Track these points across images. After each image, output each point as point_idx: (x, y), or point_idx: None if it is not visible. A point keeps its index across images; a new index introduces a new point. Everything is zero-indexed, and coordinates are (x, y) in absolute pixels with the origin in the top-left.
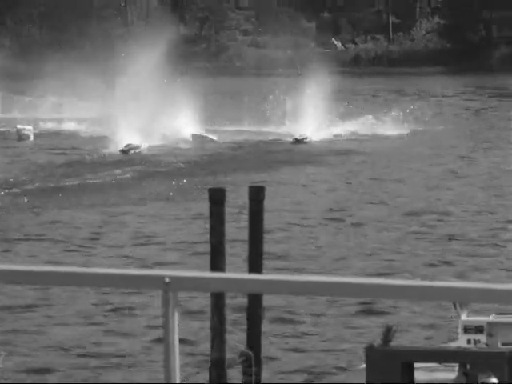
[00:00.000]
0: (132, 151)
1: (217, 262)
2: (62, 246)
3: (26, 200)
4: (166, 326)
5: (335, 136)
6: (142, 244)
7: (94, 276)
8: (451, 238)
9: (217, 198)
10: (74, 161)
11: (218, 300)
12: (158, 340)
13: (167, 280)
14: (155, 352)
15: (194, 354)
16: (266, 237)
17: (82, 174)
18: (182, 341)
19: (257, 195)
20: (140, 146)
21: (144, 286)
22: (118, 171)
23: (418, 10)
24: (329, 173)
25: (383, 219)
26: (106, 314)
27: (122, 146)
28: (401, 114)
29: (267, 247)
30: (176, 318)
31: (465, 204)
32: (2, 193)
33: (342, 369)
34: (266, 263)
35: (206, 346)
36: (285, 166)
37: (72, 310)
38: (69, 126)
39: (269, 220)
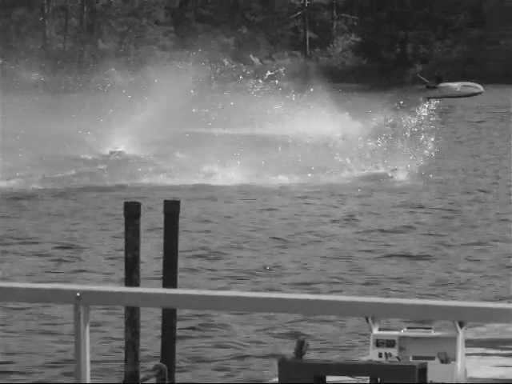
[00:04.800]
0: None
1: (132, 276)
2: None
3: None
4: (77, 340)
5: None
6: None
7: (4, 290)
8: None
9: (132, 212)
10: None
11: (132, 314)
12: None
13: (78, 294)
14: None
15: (107, 369)
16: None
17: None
18: (94, 354)
19: (172, 209)
20: None
21: (55, 301)
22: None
23: (334, 27)
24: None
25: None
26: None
27: None
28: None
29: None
30: (87, 331)
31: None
32: None
33: (255, 382)
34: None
35: (119, 360)
36: None
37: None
38: None
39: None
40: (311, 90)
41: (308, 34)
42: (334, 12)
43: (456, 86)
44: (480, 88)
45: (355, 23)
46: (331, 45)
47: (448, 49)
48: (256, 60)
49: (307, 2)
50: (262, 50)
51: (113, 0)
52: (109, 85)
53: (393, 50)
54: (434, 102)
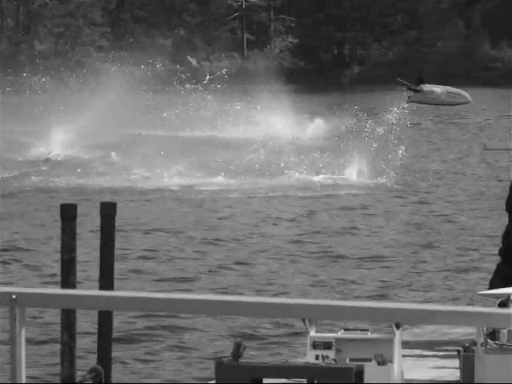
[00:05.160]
0: None
1: (68, 278)
2: None
3: None
4: (12, 342)
5: None
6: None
7: None
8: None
9: (68, 214)
10: None
11: (68, 316)
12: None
13: (14, 296)
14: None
15: (44, 371)
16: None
17: None
18: (31, 356)
19: (108, 211)
20: None
21: None
22: None
23: (272, 28)
24: None
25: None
26: None
27: None
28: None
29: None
30: (23, 333)
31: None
32: None
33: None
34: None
35: (56, 362)
36: None
37: None
38: None
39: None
40: (260, 91)
41: (245, 35)
42: (272, 13)
43: (440, 91)
44: (467, 97)
45: (292, 25)
46: (269, 46)
47: (385, 50)
48: (194, 61)
49: (244, 4)
50: (199, 51)
51: (49, 1)
52: (45, 85)
53: (330, 52)
54: (406, 105)
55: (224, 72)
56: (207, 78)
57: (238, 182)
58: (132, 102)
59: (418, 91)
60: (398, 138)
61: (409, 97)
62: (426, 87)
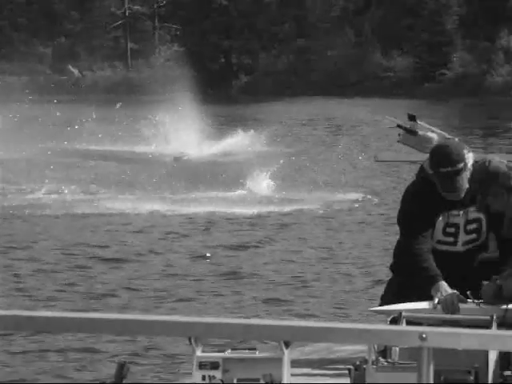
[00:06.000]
0: None
1: None
2: None
3: None
4: None
5: None
6: None
7: None
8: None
9: None
10: None
11: None
12: None
13: None
14: None
15: None
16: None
17: None
18: None
19: None
20: None
21: None
22: None
23: (156, 36)
24: None
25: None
26: None
27: None
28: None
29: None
30: None
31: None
32: None
33: None
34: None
35: None
36: None
37: None
38: None
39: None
40: (180, 108)
41: (129, 44)
42: (156, 21)
43: (436, 139)
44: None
45: (178, 33)
46: (153, 55)
47: (273, 59)
48: (75, 71)
49: (128, 11)
50: (81, 61)
51: None
52: None
53: (217, 61)
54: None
55: (118, 106)
56: (94, 116)
57: (132, 197)
58: (10, 113)
59: (411, 132)
60: (298, 151)
61: (399, 134)
62: (421, 130)
